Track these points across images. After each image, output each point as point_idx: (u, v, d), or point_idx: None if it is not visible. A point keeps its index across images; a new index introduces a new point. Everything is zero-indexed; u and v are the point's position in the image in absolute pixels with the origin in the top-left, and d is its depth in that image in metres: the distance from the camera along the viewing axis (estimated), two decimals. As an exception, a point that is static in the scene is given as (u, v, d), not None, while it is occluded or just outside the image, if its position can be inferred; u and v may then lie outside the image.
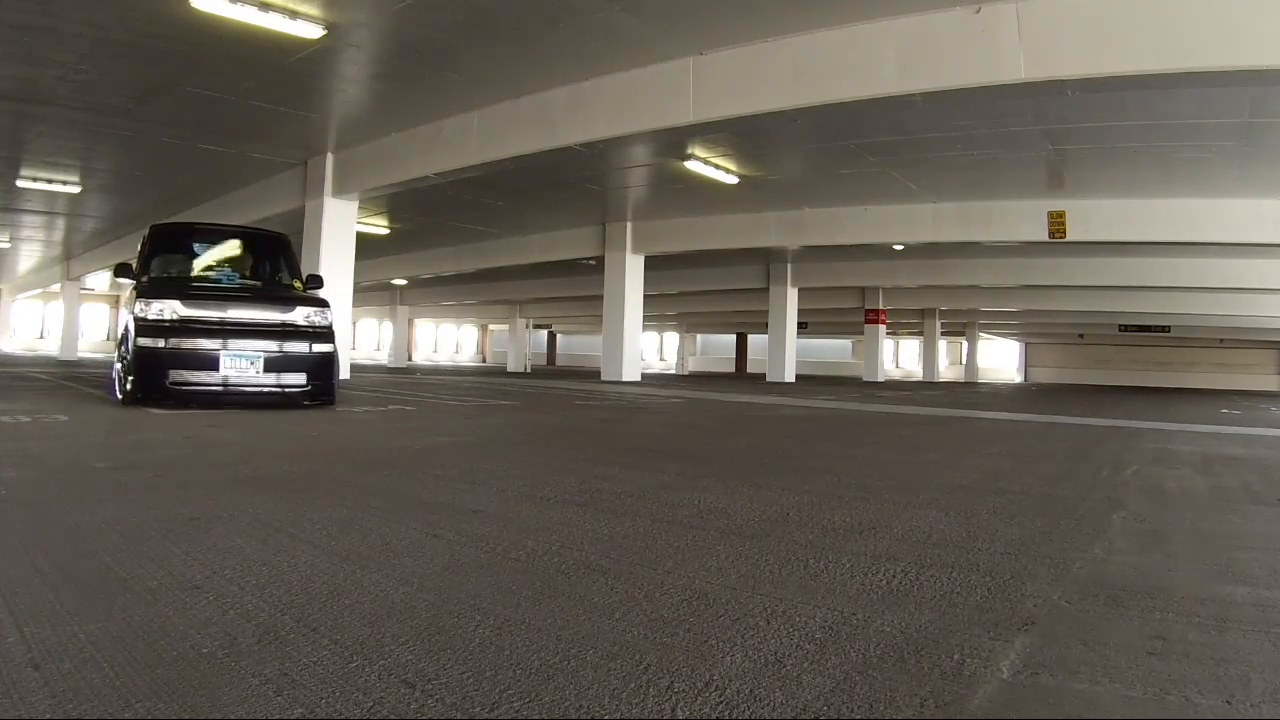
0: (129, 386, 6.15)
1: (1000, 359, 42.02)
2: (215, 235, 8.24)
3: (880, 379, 24.43)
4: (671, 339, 47.58)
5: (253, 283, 7.46)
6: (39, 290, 30.66)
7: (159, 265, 7.16)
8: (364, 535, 2.24)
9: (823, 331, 35.31)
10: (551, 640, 1.45)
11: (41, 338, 33.89)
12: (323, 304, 6.89)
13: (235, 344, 6.21)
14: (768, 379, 20.12)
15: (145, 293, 6.29)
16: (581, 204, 14.98)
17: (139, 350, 6.00)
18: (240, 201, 14.30)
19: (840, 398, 12.43)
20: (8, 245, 21.45)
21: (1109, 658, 1.44)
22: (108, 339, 35.80)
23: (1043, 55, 5.90)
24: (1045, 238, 12.67)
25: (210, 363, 6.12)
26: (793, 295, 20.36)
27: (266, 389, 6.33)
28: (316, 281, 7.63)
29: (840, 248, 16.78)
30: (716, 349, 46.36)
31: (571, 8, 6.71)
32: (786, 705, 1.21)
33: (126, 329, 6.38)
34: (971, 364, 34.12)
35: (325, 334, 6.69)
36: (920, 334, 30.39)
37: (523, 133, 9.12)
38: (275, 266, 7.86)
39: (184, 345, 6.07)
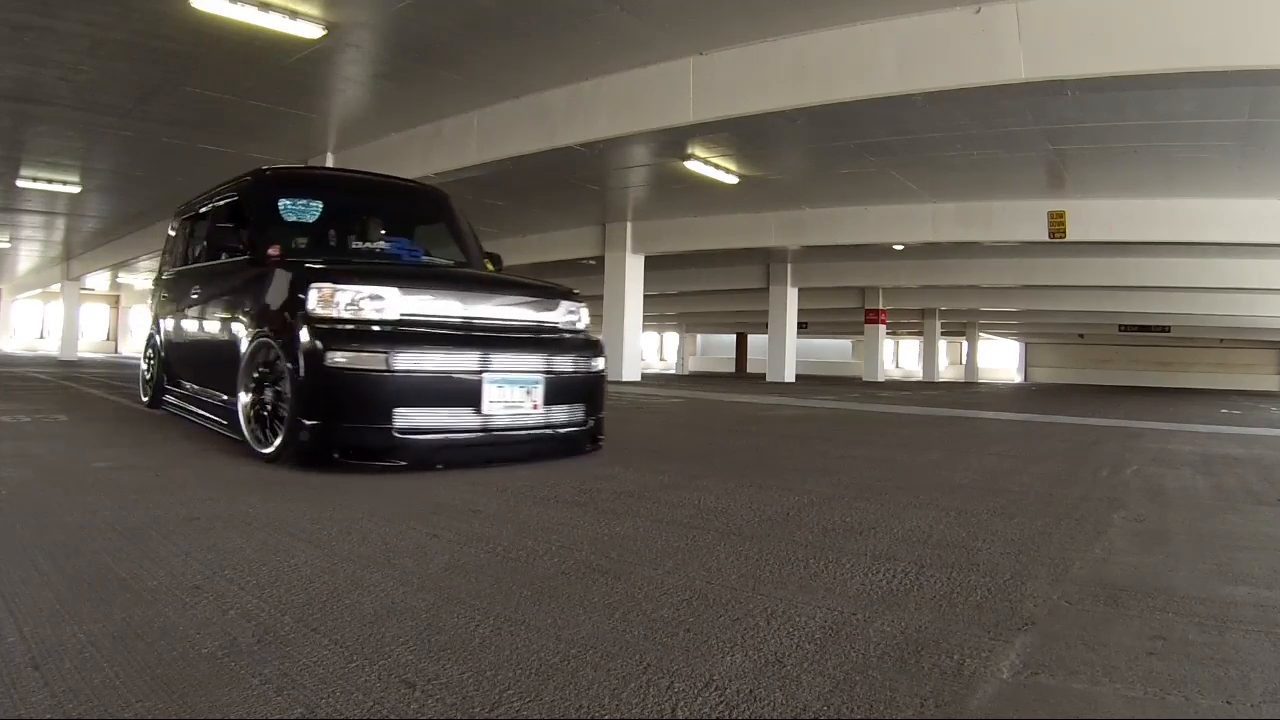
0: (288, 434, 3.42)
1: (1000, 359, 42.00)
2: (359, 189, 5.27)
3: (880, 379, 24.42)
4: (672, 339, 47.58)
5: (462, 264, 4.93)
6: (39, 290, 30.65)
7: (279, 232, 4.37)
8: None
9: (823, 331, 35.29)
10: (551, 640, 1.45)
11: (41, 338, 33.87)
12: (578, 298, 4.40)
13: (499, 361, 3.64)
14: (768, 379, 20.11)
15: (318, 273, 3.59)
16: (581, 204, 14.97)
17: (328, 374, 3.31)
18: (240, 201, 14.27)
19: (840, 398, 12.43)
20: (8, 245, 21.43)
21: (1109, 658, 1.44)
22: (108, 339, 35.81)
23: (1043, 55, 5.90)
24: (1045, 238, 12.66)
25: (467, 395, 3.53)
26: (793, 295, 20.35)
27: (537, 432, 3.82)
28: (499, 263, 5.30)
29: (840, 248, 16.77)
30: (717, 349, 46.34)
31: (571, 8, 6.70)
32: (786, 705, 1.21)
33: (257, 331, 3.81)
34: (971, 364, 34.11)
35: (594, 343, 4.36)
36: (920, 334, 30.37)
37: (523, 133, 9.12)
38: (441, 240, 5.22)
39: (423, 365, 3.43)
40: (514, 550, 2.12)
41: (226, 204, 4.89)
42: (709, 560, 2.07)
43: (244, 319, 4.00)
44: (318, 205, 4.71)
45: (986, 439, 6.26)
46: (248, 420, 3.76)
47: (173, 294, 5.64)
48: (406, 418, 3.37)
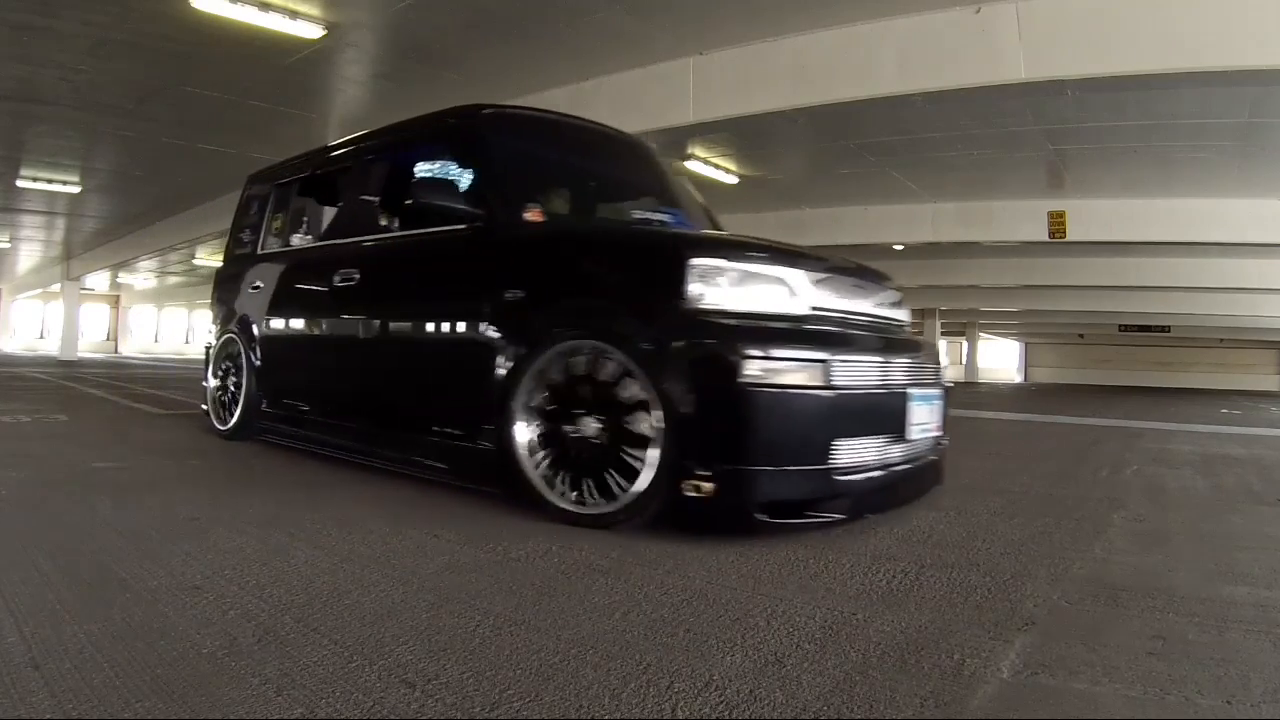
0: (656, 487, 2.30)
1: (1000, 359, 41.99)
2: (594, 141, 3.90)
3: (880, 379, 24.36)
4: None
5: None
6: (39, 290, 30.66)
7: (516, 190, 3.10)
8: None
9: (823, 331, 35.23)
10: (551, 640, 1.45)
11: (41, 338, 33.88)
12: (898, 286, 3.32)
13: (916, 371, 2.81)
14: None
15: (699, 244, 2.62)
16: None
17: (744, 395, 2.22)
18: (240, 201, 14.29)
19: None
20: (8, 245, 21.44)
21: (1109, 658, 1.44)
22: (107, 339, 35.81)
23: (1043, 55, 5.90)
24: (1045, 238, 12.66)
25: (895, 417, 2.63)
26: (793, 295, 20.35)
27: (925, 462, 2.86)
28: None
29: (840, 247, 16.79)
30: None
31: (571, 8, 6.71)
32: (786, 705, 1.21)
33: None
34: (971, 364, 34.10)
35: (931, 348, 3.20)
36: (920, 334, 30.39)
37: (523, 133, 9.12)
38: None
39: (860, 379, 2.49)
40: (514, 550, 2.12)
41: (403, 155, 3.58)
42: (709, 560, 2.07)
43: (500, 313, 2.73)
44: (556, 158, 3.49)
45: (986, 439, 6.26)
46: (531, 465, 2.54)
47: (281, 282, 4.10)
48: (846, 452, 2.37)
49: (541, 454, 2.55)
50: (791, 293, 2.47)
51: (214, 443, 4.21)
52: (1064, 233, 12.39)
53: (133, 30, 7.25)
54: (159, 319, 39.37)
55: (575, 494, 2.45)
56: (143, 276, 28.43)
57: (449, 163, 3.26)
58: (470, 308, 2.86)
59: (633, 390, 2.35)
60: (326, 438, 3.64)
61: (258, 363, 4.13)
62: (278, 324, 4.08)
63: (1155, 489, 3.64)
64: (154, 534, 2.16)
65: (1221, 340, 32.33)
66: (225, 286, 4.67)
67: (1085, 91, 6.54)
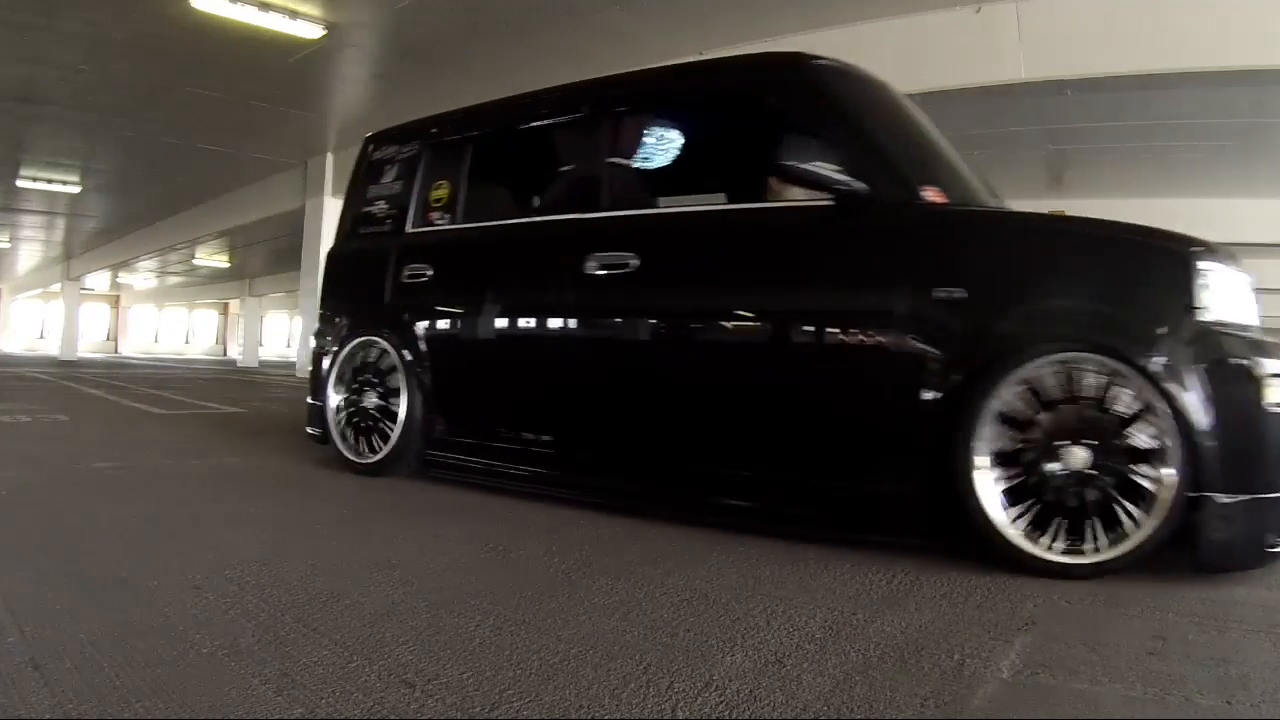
0: (1171, 522, 1.90)
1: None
2: (912, 106, 2.97)
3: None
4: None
5: None
6: (39, 290, 30.66)
7: (910, 162, 2.43)
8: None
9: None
10: (552, 640, 1.45)
11: (41, 338, 33.88)
12: None
13: None
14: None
15: (1220, 249, 2.18)
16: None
17: None
18: (240, 201, 14.29)
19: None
20: (8, 245, 21.45)
21: (1109, 658, 1.44)
22: (108, 339, 35.81)
23: (1043, 55, 5.91)
24: (1045, 238, 12.67)
25: None
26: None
27: None
28: None
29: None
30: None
31: (571, 8, 6.71)
32: (786, 705, 1.21)
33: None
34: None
35: None
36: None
37: (523, 133, 9.12)
38: None
39: None
40: (514, 550, 2.12)
41: (679, 109, 3.07)
42: (709, 560, 2.07)
43: (924, 316, 2.13)
44: (913, 126, 2.68)
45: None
46: (1000, 510, 2.01)
47: (470, 269, 3.21)
48: None
49: (1011, 496, 2.01)
50: (1253, 300, 2.17)
51: (353, 483, 3.09)
52: (1064, 233, 12.39)
53: (133, 30, 7.26)
54: (159, 319, 39.39)
55: (1053, 540, 1.97)
56: (143, 276, 28.43)
57: (763, 120, 2.71)
58: (865, 308, 2.23)
59: (1130, 410, 1.95)
60: (575, 478, 2.76)
61: (430, 376, 3.13)
62: (471, 325, 3.11)
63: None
64: (155, 533, 2.16)
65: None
66: (351, 275, 3.66)
67: (1085, 91, 6.54)
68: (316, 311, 3.76)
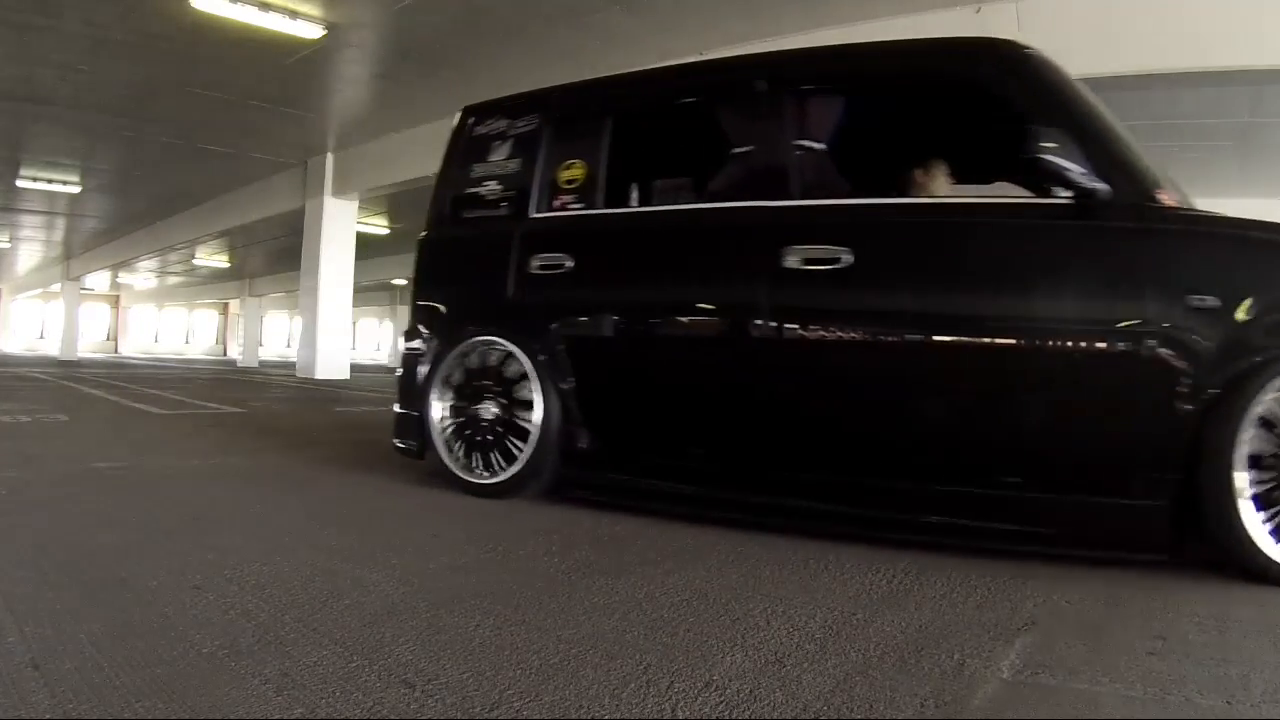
0: None
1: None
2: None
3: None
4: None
5: None
6: (39, 290, 30.67)
7: (1143, 163, 2.28)
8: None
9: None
10: (552, 640, 1.45)
11: (41, 338, 33.89)
12: None
13: None
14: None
15: None
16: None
17: None
18: (240, 201, 14.30)
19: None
20: (8, 245, 21.45)
21: (1109, 658, 1.44)
22: (108, 339, 35.81)
23: (1043, 55, 5.92)
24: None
25: None
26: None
27: None
28: None
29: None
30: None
31: (571, 8, 6.71)
32: (786, 705, 1.21)
33: None
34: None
35: None
36: None
37: (523, 133, 9.12)
38: None
39: None
40: (514, 550, 2.12)
41: (871, 92, 2.80)
42: (709, 559, 2.07)
43: (1180, 325, 2.03)
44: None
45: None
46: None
47: (621, 260, 2.84)
48: None
49: (1259, 503, 1.96)
50: None
51: (477, 507, 2.69)
52: (1064, 233, 12.38)
53: (133, 30, 7.26)
54: (159, 319, 39.39)
55: None
56: (143, 276, 28.44)
57: (979, 109, 2.56)
58: (1117, 315, 2.09)
59: None
60: (756, 499, 2.45)
61: (572, 383, 2.73)
62: (632, 325, 2.75)
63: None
64: (155, 533, 2.16)
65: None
66: (457, 265, 3.23)
67: (1085, 91, 6.54)
68: (411, 306, 3.29)
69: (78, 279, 24.59)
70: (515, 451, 2.78)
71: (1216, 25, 5.42)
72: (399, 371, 3.17)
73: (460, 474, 2.88)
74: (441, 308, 3.15)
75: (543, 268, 2.86)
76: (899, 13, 6.42)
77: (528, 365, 2.78)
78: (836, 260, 2.35)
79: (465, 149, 3.25)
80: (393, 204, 14.71)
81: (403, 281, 26.51)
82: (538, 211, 2.97)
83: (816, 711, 1.19)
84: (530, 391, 2.76)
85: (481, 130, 3.23)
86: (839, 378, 2.39)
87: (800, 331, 2.41)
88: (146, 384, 10.18)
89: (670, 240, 2.73)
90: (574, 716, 1.15)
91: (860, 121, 2.66)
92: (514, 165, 3.07)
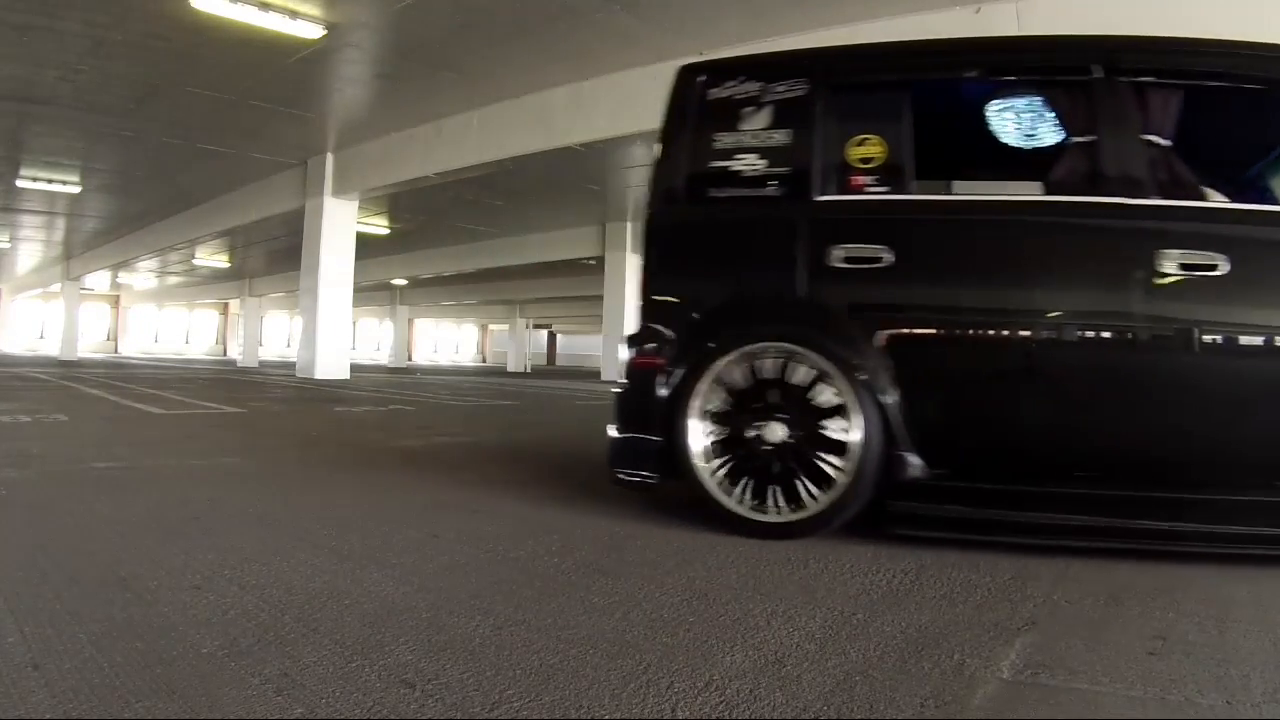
0: None
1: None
2: None
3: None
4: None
5: None
6: (39, 290, 30.67)
7: None
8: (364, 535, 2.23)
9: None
10: (552, 640, 1.45)
11: (41, 338, 33.89)
12: None
13: None
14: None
15: None
16: (581, 204, 14.98)
17: None
18: (240, 201, 14.31)
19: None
20: (8, 245, 21.47)
21: (1109, 658, 1.43)
22: (108, 339, 35.81)
23: (1043, 55, 5.92)
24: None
25: None
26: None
27: None
28: None
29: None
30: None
31: (571, 8, 6.72)
32: (786, 705, 1.21)
33: None
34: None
35: None
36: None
37: (523, 133, 9.14)
38: None
39: None
40: (514, 549, 2.12)
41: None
42: (709, 559, 2.07)
43: None
44: None
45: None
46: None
47: (960, 254, 2.41)
48: None
49: None
50: None
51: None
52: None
53: (133, 30, 7.26)
54: (159, 319, 39.40)
55: None
56: (143, 276, 28.46)
57: None
58: None
59: None
60: (1156, 525, 2.16)
61: (901, 399, 2.28)
62: (987, 331, 2.35)
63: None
64: (155, 533, 2.16)
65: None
66: (714, 255, 2.65)
67: (1085, 91, 6.55)
68: (642, 302, 2.63)
69: (78, 279, 24.61)
70: (820, 479, 2.30)
71: (1217, 25, 5.42)
72: (621, 386, 2.57)
73: (741, 512, 2.35)
74: (695, 306, 2.57)
75: (849, 260, 2.39)
76: (899, 12, 6.43)
77: (841, 378, 2.30)
78: (1214, 267, 2.14)
79: (700, 114, 2.69)
80: (393, 204, 14.72)
81: (403, 282, 26.56)
82: (825, 194, 2.49)
83: (816, 711, 1.19)
84: (848, 410, 2.29)
85: (720, 93, 2.67)
86: (1241, 391, 2.18)
87: (1179, 344, 2.18)
88: (146, 384, 10.18)
89: (1030, 237, 2.38)
90: (574, 716, 1.15)
91: (1223, 120, 2.49)
92: (780, 137, 2.55)
